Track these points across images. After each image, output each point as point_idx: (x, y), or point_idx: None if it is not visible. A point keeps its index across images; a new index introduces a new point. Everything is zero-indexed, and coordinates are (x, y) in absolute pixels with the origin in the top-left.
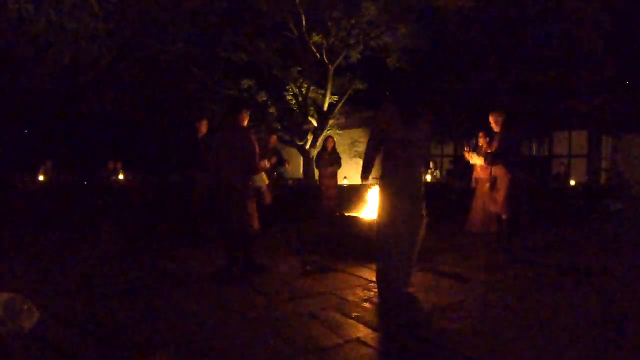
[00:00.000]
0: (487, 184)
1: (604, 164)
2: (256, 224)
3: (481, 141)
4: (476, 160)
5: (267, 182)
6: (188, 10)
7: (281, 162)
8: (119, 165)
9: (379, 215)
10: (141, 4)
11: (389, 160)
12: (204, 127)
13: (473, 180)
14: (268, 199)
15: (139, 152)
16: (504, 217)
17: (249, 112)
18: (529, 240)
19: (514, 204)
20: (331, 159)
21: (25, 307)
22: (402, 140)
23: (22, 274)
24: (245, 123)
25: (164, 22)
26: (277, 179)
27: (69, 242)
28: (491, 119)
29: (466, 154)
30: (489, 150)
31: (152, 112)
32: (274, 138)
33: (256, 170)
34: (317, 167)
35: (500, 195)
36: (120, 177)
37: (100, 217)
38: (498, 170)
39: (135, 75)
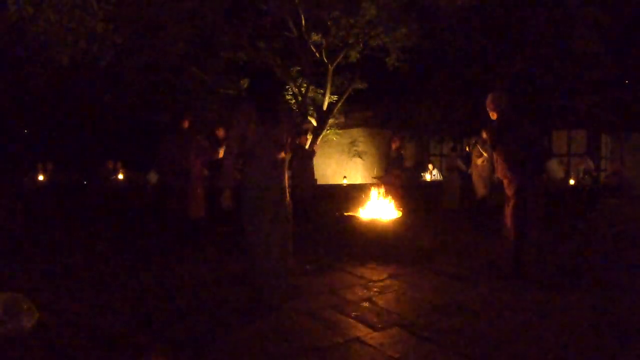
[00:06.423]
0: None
1: (603, 163)
2: (197, 211)
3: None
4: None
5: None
6: (188, 10)
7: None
8: (119, 165)
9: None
10: (141, 3)
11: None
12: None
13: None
14: (226, 201)
15: (139, 151)
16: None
17: (189, 116)
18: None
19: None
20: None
21: (25, 307)
22: (261, 140)
23: (22, 274)
24: (186, 126)
25: (164, 22)
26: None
27: (69, 242)
28: None
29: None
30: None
31: (151, 112)
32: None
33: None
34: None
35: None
36: (120, 177)
37: (100, 217)
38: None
39: (135, 75)
